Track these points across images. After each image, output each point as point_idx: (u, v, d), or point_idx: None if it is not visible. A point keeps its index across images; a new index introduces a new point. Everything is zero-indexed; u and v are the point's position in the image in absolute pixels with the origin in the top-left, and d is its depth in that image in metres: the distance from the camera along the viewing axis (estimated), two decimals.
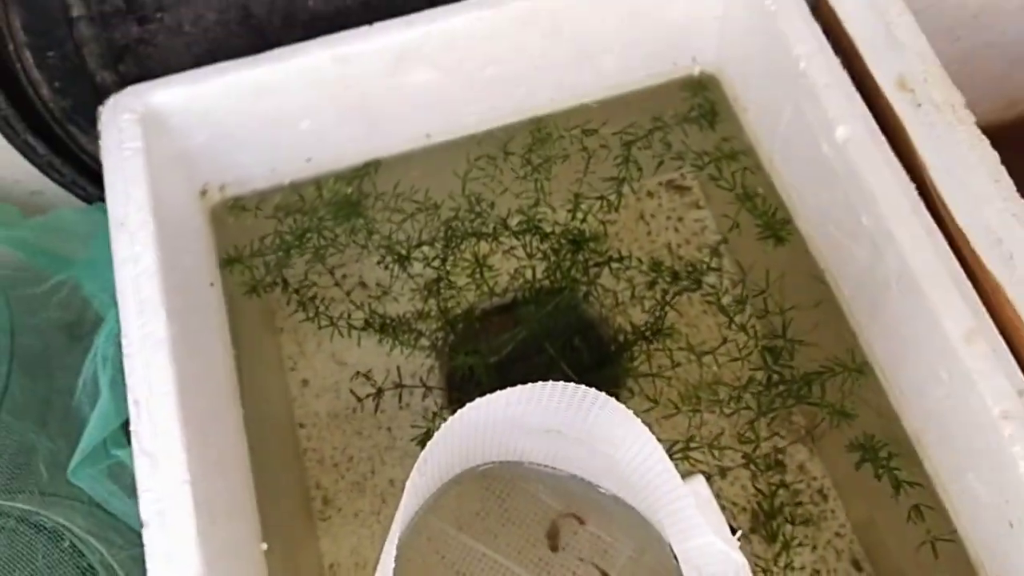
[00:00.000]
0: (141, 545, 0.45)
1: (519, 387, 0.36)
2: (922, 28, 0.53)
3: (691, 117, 0.63)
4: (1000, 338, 0.43)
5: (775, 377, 0.54)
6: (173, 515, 0.41)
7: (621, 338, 0.57)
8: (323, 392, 0.58)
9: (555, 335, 0.57)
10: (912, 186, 0.47)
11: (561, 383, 0.37)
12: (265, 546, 0.50)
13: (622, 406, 0.37)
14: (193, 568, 0.40)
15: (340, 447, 0.57)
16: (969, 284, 0.45)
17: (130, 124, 0.50)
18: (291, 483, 0.56)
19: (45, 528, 0.45)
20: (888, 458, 0.51)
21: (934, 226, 0.46)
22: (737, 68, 0.60)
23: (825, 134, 0.50)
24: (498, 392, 0.37)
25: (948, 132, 0.48)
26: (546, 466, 0.52)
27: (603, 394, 0.37)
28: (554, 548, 0.52)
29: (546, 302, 0.58)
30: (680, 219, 0.61)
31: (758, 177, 0.60)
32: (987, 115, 0.69)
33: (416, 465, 0.39)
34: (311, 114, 0.57)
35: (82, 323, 0.59)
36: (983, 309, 0.44)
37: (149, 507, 0.42)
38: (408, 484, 0.39)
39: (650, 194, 0.62)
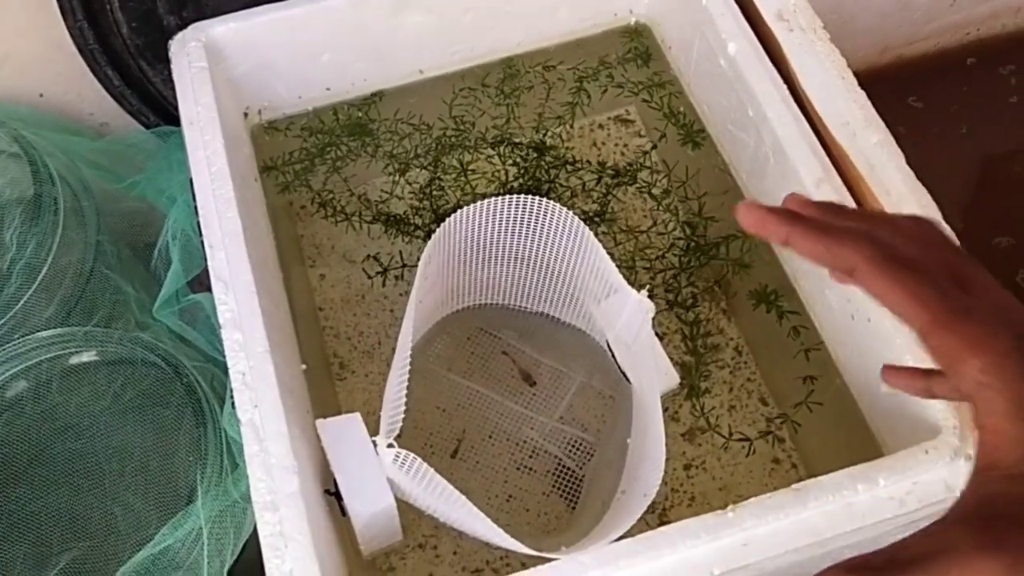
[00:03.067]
0: (206, 360, 0.59)
1: (486, 200, 0.53)
2: None
3: (629, 57, 0.80)
4: (843, 186, 0.60)
5: (692, 244, 0.71)
6: (248, 326, 0.56)
7: None
8: (337, 283, 0.73)
9: None
10: (783, 85, 0.64)
11: (519, 195, 0.53)
12: (304, 366, 0.65)
13: (565, 209, 0.53)
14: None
15: (352, 324, 0.72)
16: (822, 151, 0.61)
17: (196, 49, 0.66)
18: (314, 353, 0.70)
19: (143, 347, 0.60)
20: (775, 296, 0.67)
21: (799, 112, 0.63)
22: (663, 16, 0.77)
23: (721, 51, 0.66)
24: (469, 206, 0.53)
25: (810, 47, 0.65)
26: (515, 306, 0.68)
27: (552, 201, 0.53)
28: (532, 383, 0.68)
29: None
30: (626, 145, 0.77)
31: (680, 100, 0.77)
32: (865, 60, 0.86)
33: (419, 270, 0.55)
34: (330, 49, 0.73)
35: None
36: (831, 167, 0.61)
37: (224, 315, 0.57)
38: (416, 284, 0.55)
39: (601, 126, 0.78)
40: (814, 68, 0.64)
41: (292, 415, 0.54)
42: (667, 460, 0.63)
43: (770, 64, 0.64)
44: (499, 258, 0.61)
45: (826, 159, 0.61)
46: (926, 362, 0.53)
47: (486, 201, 0.54)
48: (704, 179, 0.73)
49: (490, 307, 0.69)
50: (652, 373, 0.54)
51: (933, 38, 0.85)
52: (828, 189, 0.59)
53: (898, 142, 0.84)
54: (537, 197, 0.53)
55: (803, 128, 0.62)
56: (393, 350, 0.69)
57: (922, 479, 0.50)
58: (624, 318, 0.56)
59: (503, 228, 0.56)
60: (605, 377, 0.67)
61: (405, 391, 0.51)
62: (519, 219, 0.55)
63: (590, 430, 0.65)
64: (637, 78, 0.79)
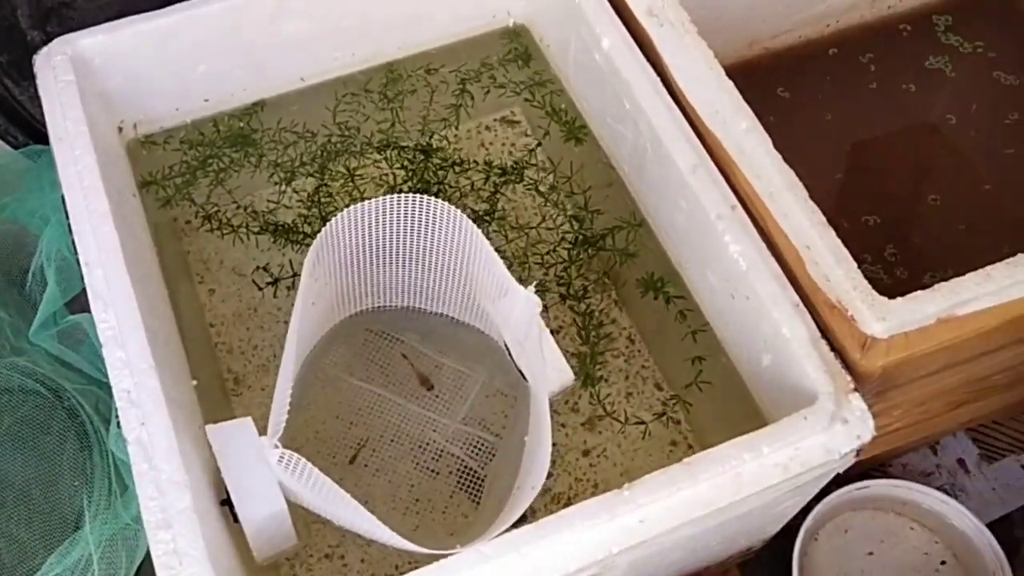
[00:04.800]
0: (90, 383, 0.57)
1: (372, 200, 0.53)
2: None
3: (510, 58, 0.81)
4: (716, 171, 0.62)
5: (580, 237, 0.72)
6: (131, 343, 0.55)
7: None
8: (227, 298, 0.71)
9: None
10: (657, 78, 0.66)
11: (406, 194, 0.53)
12: (195, 382, 0.63)
13: (451, 207, 0.54)
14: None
15: (246, 339, 0.71)
16: (695, 138, 0.64)
17: (62, 63, 0.64)
18: (206, 370, 0.68)
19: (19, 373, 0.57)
20: (661, 283, 0.69)
21: (672, 103, 0.65)
22: (540, 16, 0.79)
23: (596, 47, 0.68)
24: (355, 206, 0.53)
25: (679, 41, 0.67)
26: (415, 308, 0.68)
27: (440, 200, 0.54)
28: (429, 387, 0.68)
29: None
30: (512, 144, 0.78)
31: (561, 97, 0.78)
32: (735, 53, 0.90)
33: (305, 268, 0.54)
34: (206, 59, 0.72)
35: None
36: (705, 154, 0.63)
37: (105, 333, 0.55)
38: (299, 293, 0.54)
39: (487, 127, 0.79)
40: (684, 61, 0.66)
41: (183, 430, 0.53)
42: (569, 450, 0.65)
43: (643, 58, 0.66)
44: (392, 259, 0.61)
45: (700, 147, 0.63)
46: (800, 333, 0.56)
47: (372, 201, 0.54)
48: (588, 173, 0.75)
49: (390, 309, 0.69)
50: (541, 370, 0.55)
51: (797, 30, 0.89)
52: (703, 175, 0.62)
53: (769, 131, 0.88)
54: (424, 196, 0.54)
55: (677, 118, 0.64)
56: None
57: (803, 444, 0.52)
58: (516, 316, 0.57)
59: (393, 228, 0.57)
60: (506, 377, 0.67)
61: (290, 389, 0.50)
62: (408, 218, 0.56)
63: (492, 430, 0.66)
64: (519, 78, 0.80)
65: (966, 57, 0.91)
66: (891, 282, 0.79)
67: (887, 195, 0.84)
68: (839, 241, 0.58)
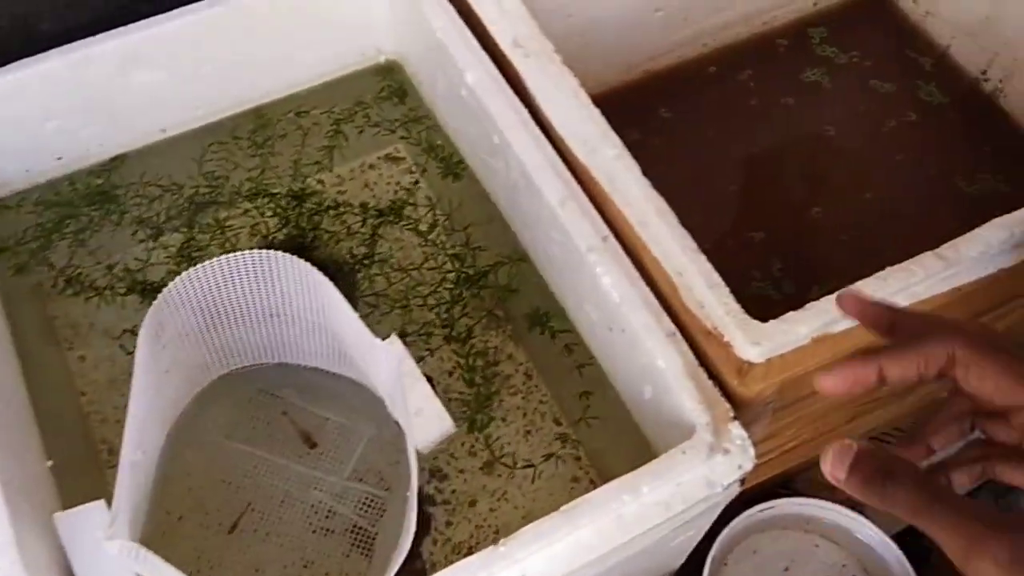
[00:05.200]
0: None
1: (208, 262, 0.50)
2: (538, 8, 0.72)
3: (384, 95, 0.79)
4: (587, 202, 0.61)
5: (463, 275, 0.70)
6: None
7: (346, 269, 0.71)
8: (99, 363, 0.67)
9: None
10: (524, 109, 0.65)
11: (250, 251, 0.50)
12: (51, 462, 0.59)
13: (301, 260, 0.51)
14: None
15: (121, 405, 0.66)
16: (565, 169, 0.62)
17: None
18: (76, 442, 0.64)
19: None
20: (546, 317, 0.68)
21: (539, 134, 0.64)
22: (409, 52, 0.77)
23: (461, 82, 0.67)
24: (193, 268, 0.50)
25: (545, 71, 0.66)
26: (292, 363, 0.65)
27: (280, 252, 0.51)
28: (313, 445, 0.65)
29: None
30: (389, 183, 0.76)
31: (437, 133, 0.76)
32: (615, 77, 0.90)
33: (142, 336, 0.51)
34: (55, 117, 0.68)
35: None
36: (576, 185, 0.62)
37: None
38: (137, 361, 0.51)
39: (363, 168, 0.77)
40: (551, 91, 0.65)
41: (27, 520, 0.49)
42: (468, 496, 0.63)
43: (509, 91, 0.65)
44: (253, 316, 0.58)
45: (570, 178, 0.62)
46: (675, 364, 0.55)
47: (210, 262, 0.51)
48: (468, 209, 0.73)
49: (265, 366, 0.66)
50: (411, 421, 0.52)
51: (675, 51, 0.90)
52: (573, 207, 0.60)
53: (653, 151, 0.88)
54: (269, 251, 0.51)
55: (545, 150, 0.63)
56: None
57: (684, 480, 0.51)
58: (383, 369, 0.54)
59: (242, 286, 0.54)
60: (394, 428, 0.65)
61: (128, 473, 0.47)
62: (256, 275, 0.53)
63: (382, 484, 0.63)
64: (394, 116, 0.78)
65: (842, 67, 0.93)
66: (780, 297, 0.79)
67: (772, 209, 0.84)
68: (711, 266, 0.57)
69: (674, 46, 0.89)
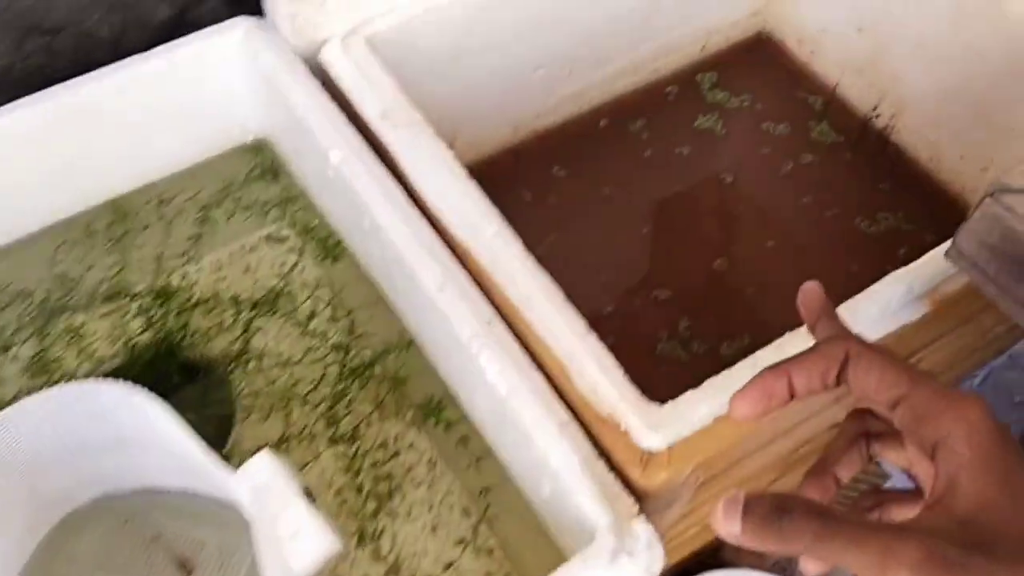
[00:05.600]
0: None
1: (35, 395, 0.44)
2: (408, 75, 0.69)
3: (255, 176, 0.74)
4: (469, 284, 0.57)
5: (347, 368, 0.65)
6: None
7: (220, 369, 0.66)
8: None
9: (160, 382, 0.64)
10: (397, 187, 0.61)
11: (74, 383, 0.44)
12: None
13: (136, 388, 0.46)
14: None
15: None
16: (443, 249, 0.58)
17: None
18: None
19: None
20: (439, 406, 0.63)
21: (414, 213, 0.59)
22: (276, 130, 0.72)
23: (326, 161, 0.62)
24: (8, 409, 0.44)
25: (415, 144, 0.62)
26: (158, 487, 0.59)
27: (108, 380, 0.45)
28: (189, 571, 0.58)
29: (144, 355, 0.65)
30: (265, 270, 0.70)
31: (312, 214, 0.71)
32: (501, 140, 0.86)
33: None
34: None
35: None
36: (456, 266, 0.58)
37: None
38: None
39: (234, 255, 0.71)
40: (424, 166, 0.61)
41: None
42: None
43: (379, 168, 0.61)
44: (101, 444, 0.52)
45: (448, 260, 0.57)
46: (569, 459, 0.51)
47: (30, 398, 0.45)
48: (350, 294, 0.68)
49: (132, 491, 0.59)
50: (283, 549, 0.47)
51: (562, 107, 0.87)
52: (452, 292, 0.56)
53: (548, 212, 0.84)
54: (97, 381, 0.45)
55: (420, 231, 0.58)
56: None
57: None
58: (246, 495, 0.49)
59: (77, 417, 0.48)
60: None
61: None
62: (90, 405, 0.47)
63: None
64: (266, 197, 0.73)
65: (734, 112, 0.91)
66: (688, 358, 0.75)
67: (675, 265, 0.81)
68: (603, 348, 0.53)
69: (561, 102, 0.86)
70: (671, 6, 0.86)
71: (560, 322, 0.54)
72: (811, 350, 0.39)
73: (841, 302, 0.56)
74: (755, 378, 0.39)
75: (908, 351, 0.63)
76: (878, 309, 0.55)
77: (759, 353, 0.53)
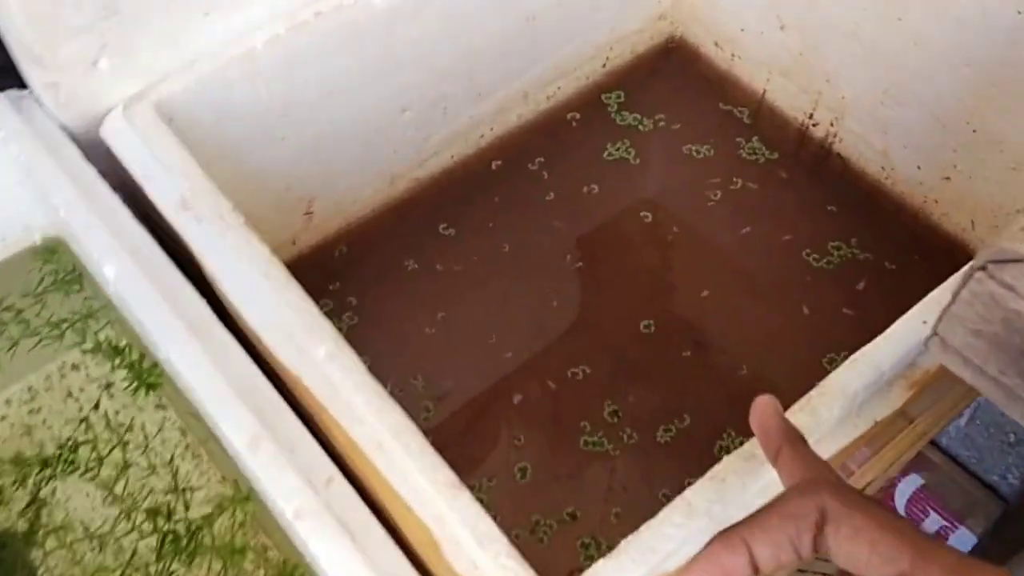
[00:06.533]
0: None
1: None
2: (212, 144, 0.54)
3: (49, 286, 0.58)
4: (299, 434, 0.42)
5: (169, 536, 0.50)
6: None
7: (12, 547, 0.50)
8: None
9: None
10: (198, 307, 0.46)
11: None
12: None
13: None
14: None
15: None
16: (264, 386, 0.43)
17: None
18: None
19: None
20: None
21: (220, 338, 0.44)
22: (71, 230, 0.57)
23: (102, 277, 0.47)
24: None
25: (222, 241, 0.47)
26: None
27: None
28: None
29: None
30: (56, 416, 0.54)
31: (121, 329, 0.56)
32: (374, 194, 0.71)
33: None
34: None
35: None
36: (279, 406, 0.43)
37: None
38: None
39: (30, 397, 0.55)
40: (235, 269, 0.46)
41: None
42: None
43: (173, 280, 0.46)
44: None
45: (270, 400, 0.43)
46: None
47: None
48: (170, 434, 0.53)
49: None
50: None
51: (444, 150, 0.72)
52: (269, 450, 0.41)
53: (436, 280, 0.70)
54: None
55: (227, 366, 0.43)
56: None
57: None
58: None
59: None
60: None
61: None
62: None
63: None
64: (63, 313, 0.57)
65: (649, 136, 0.77)
66: (618, 451, 0.61)
67: (592, 333, 0.67)
68: (479, 507, 0.39)
69: (442, 144, 0.72)
70: (560, 18, 0.72)
71: (419, 474, 0.40)
72: (775, 509, 0.30)
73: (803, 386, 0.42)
74: (704, 553, 0.30)
75: (888, 438, 0.49)
76: (840, 408, 0.41)
77: (698, 486, 0.39)
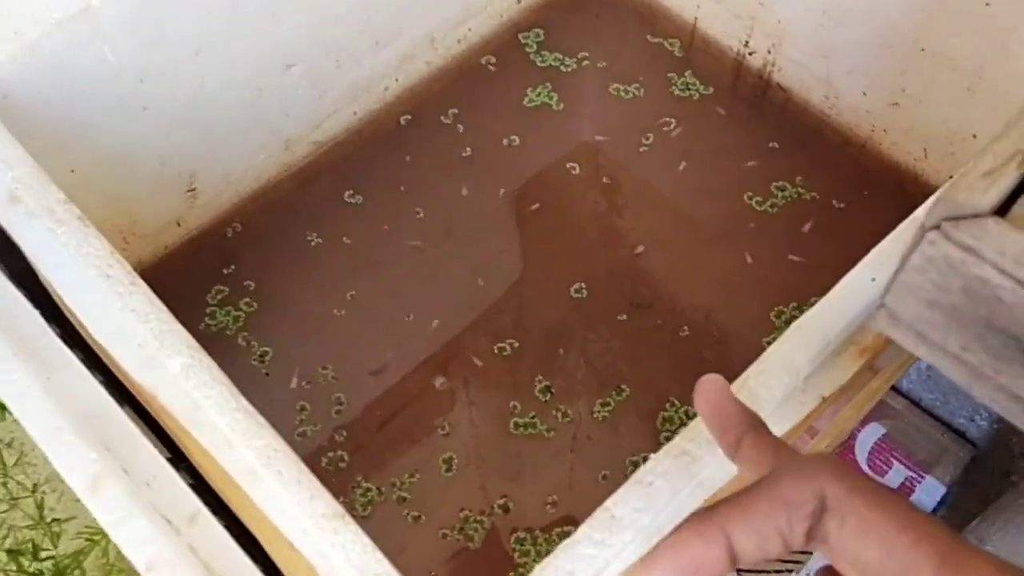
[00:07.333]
0: None
1: None
2: (50, 122, 0.46)
3: None
4: (164, 464, 0.36)
5: None
6: None
7: None
8: None
9: None
10: (32, 313, 0.39)
11: None
12: None
13: None
14: None
15: None
16: (112, 408, 0.37)
17: None
18: None
19: None
20: None
21: (67, 357, 0.38)
22: None
23: None
24: None
25: (54, 236, 0.40)
26: None
27: None
28: None
29: None
30: None
31: None
32: (268, 160, 0.64)
33: None
34: None
35: None
36: (130, 431, 0.36)
37: None
38: None
39: None
40: (70, 270, 0.39)
41: None
42: None
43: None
44: None
45: (123, 427, 0.36)
46: None
47: None
48: (35, 456, 0.46)
49: None
50: None
51: (348, 106, 0.65)
52: (113, 489, 0.34)
53: (347, 255, 0.64)
54: None
55: (63, 384, 0.37)
56: None
57: None
58: None
59: None
60: None
61: None
62: None
63: None
64: None
65: (571, 77, 0.70)
66: (553, 432, 0.56)
67: (520, 304, 0.61)
68: (367, 541, 0.33)
69: (341, 102, 0.64)
70: None
71: (299, 509, 0.34)
72: (763, 493, 0.25)
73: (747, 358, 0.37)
74: (672, 540, 0.25)
75: (854, 393, 0.44)
76: (783, 386, 0.36)
77: (621, 494, 0.33)
